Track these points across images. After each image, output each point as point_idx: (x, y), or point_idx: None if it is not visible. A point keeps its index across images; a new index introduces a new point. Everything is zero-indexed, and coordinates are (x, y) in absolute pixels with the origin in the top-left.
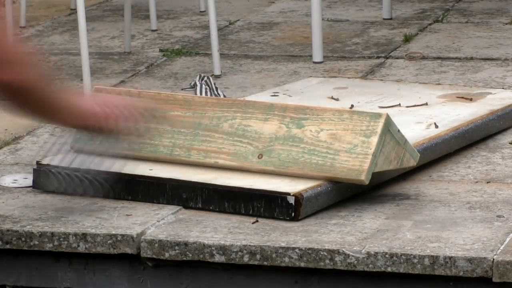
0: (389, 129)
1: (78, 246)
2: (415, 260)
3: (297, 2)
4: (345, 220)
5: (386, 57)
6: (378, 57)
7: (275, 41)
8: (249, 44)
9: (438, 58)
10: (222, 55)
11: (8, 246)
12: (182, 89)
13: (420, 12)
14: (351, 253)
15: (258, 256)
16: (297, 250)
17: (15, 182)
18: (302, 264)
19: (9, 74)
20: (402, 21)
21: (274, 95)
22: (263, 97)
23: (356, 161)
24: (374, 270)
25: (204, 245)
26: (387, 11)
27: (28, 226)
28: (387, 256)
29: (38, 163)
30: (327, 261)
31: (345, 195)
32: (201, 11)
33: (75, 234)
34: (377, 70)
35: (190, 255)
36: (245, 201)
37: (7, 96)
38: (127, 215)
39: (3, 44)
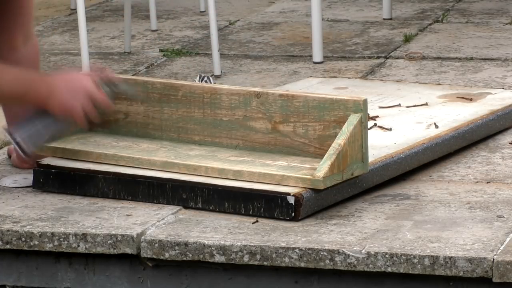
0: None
1: (78, 246)
2: (415, 260)
3: (297, 2)
4: (345, 220)
5: (386, 57)
6: (378, 57)
7: (275, 41)
8: (249, 44)
9: (438, 58)
10: (222, 55)
11: (8, 246)
12: None
13: (420, 12)
14: (351, 253)
15: (258, 256)
16: (297, 250)
17: (15, 182)
18: (302, 264)
19: None
20: (402, 21)
21: None
22: None
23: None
24: (374, 270)
25: (204, 245)
26: (387, 11)
27: (28, 226)
28: (387, 256)
29: (38, 163)
30: (327, 261)
31: (345, 195)
32: (201, 11)
33: (75, 234)
34: (377, 70)
35: (190, 255)
36: (245, 201)
37: None
38: (127, 215)
39: None
